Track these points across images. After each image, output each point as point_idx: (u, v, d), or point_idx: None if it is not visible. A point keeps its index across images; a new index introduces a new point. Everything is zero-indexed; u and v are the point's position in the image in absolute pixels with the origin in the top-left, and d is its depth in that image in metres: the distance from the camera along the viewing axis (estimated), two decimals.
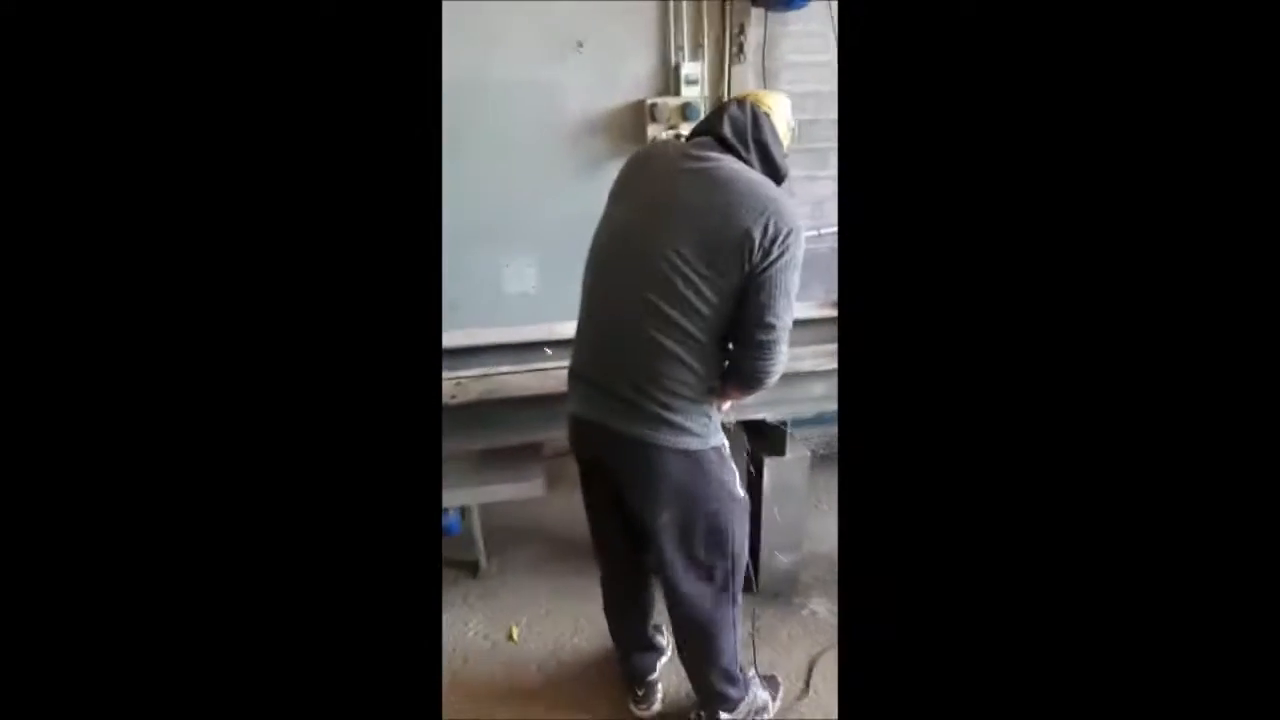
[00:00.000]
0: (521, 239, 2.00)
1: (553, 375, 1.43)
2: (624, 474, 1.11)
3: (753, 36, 1.87)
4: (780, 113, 1.17)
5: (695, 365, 1.02)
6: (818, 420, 1.73)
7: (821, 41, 1.89)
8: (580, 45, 1.83)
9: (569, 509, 1.51)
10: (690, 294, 0.99)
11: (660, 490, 1.08)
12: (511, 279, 2.06)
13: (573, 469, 1.22)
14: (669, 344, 1.00)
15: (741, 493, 1.17)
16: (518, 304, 2.04)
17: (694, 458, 1.08)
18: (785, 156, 1.15)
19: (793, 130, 1.22)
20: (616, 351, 1.05)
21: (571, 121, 1.90)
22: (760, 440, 1.57)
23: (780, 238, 0.98)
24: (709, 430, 1.09)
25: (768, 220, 0.97)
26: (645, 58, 1.86)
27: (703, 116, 1.84)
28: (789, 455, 1.54)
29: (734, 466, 1.16)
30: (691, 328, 1.00)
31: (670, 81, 1.87)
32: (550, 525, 1.91)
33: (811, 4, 1.77)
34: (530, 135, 1.92)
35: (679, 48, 1.85)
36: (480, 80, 1.82)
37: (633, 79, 1.87)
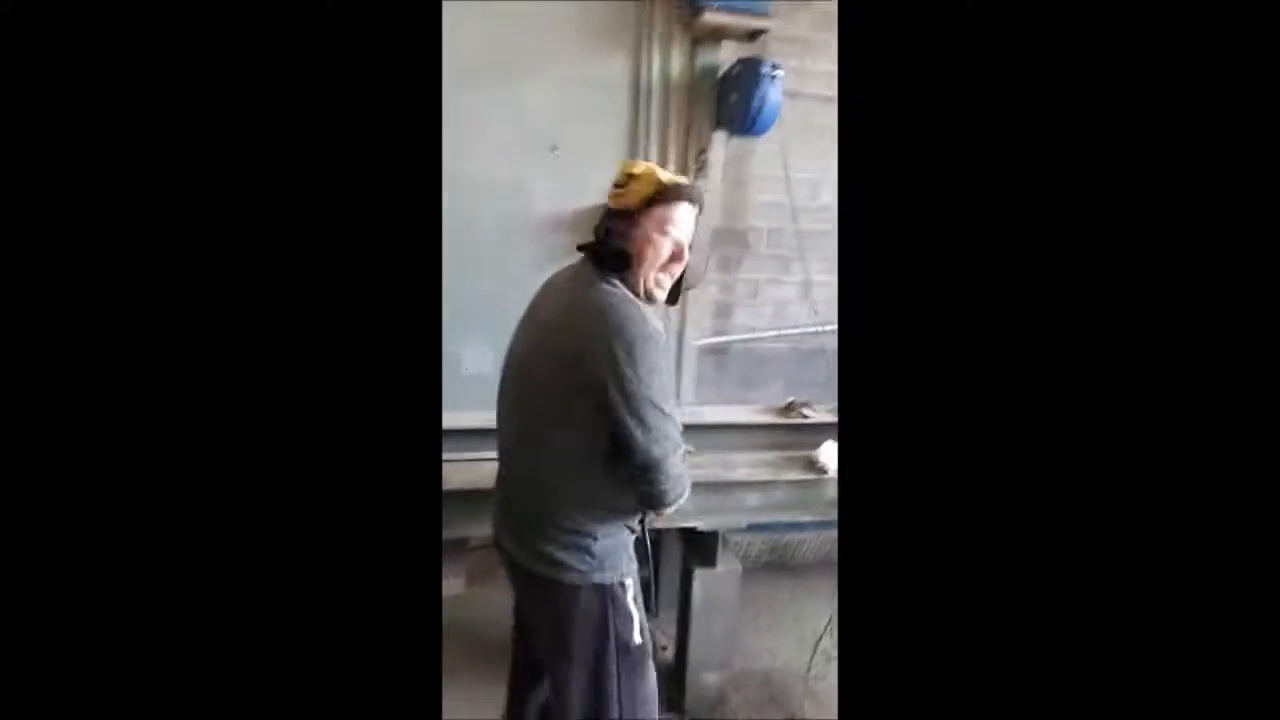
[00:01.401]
0: (482, 324, 2.04)
1: (487, 467, 1.41)
2: (516, 594, 1.12)
3: (718, 153, 1.99)
4: (640, 189, 1.06)
5: (568, 493, 0.99)
6: (761, 528, 1.72)
7: (780, 159, 2.03)
8: (555, 149, 1.93)
9: (492, 606, 1.45)
10: (554, 417, 0.98)
11: (536, 619, 1.07)
12: (471, 360, 2.08)
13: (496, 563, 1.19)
14: (542, 470, 1.00)
15: (640, 640, 1.06)
16: (475, 386, 2.05)
17: (566, 592, 1.01)
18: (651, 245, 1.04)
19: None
20: (506, 471, 1.10)
21: (538, 218, 1.98)
22: (692, 550, 1.54)
23: (613, 352, 0.93)
24: (588, 565, 1.01)
25: (599, 338, 0.93)
26: (613, 165, 1.97)
27: None
28: (720, 567, 1.51)
29: (632, 610, 1.05)
30: (561, 453, 0.98)
31: None
32: (470, 624, 1.83)
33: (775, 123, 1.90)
34: (498, 226, 1.99)
35: (645, 159, 1.96)
36: (454, 170, 1.90)
37: (600, 183, 1.95)
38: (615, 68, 1.91)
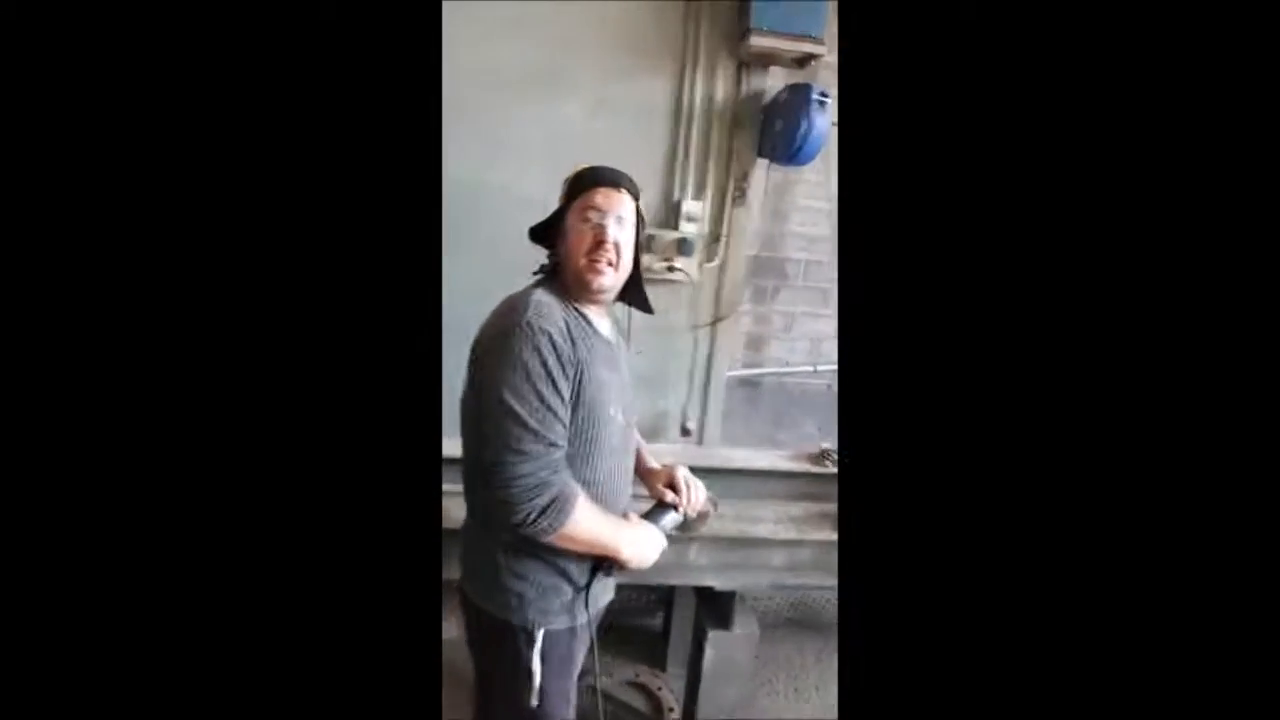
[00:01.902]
0: None
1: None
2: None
3: (759, 182, 1.90)
4: (564, 188, 1.09)
5: (484, 517, 0.98)
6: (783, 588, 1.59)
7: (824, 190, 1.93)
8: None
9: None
10: (468, 435, 0.98)
11: (470, 640, 1.05)
12: None
13: None
14: (468, 492, 1.01)
15: (538, 706, 0.97)
16: None
17: (475, 617, 1.00)
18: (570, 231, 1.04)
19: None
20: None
21: None
22: (706, 608, 1.43)
23: (483, 340, 0.95)
24: (501, 598, 0.96)
25: (481, 331, 0.97)
26: (648, 191, 1.89)
27: (697, 253, 1.91)
28: (736, 629, 1.38)
29: (533, 668, 0.96)
30: (472, 473, 0.98)
31: (670, 216, 1.89)
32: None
33: (820, 152, 1.80)
34: (521, 245, 1.93)
35: (683, 185, 1.88)
36: (479, 182, 1.85)
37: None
38: (657, 90, 1.84)
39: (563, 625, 0.99)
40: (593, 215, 1.02)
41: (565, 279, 1.05)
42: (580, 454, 0.99)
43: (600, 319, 1.08)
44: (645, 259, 1.82)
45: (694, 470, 1.84)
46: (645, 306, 1.19)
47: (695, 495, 1.14)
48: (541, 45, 1.83)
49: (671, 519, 1.11)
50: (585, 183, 1.05)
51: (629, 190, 1.07)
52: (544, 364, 0.90)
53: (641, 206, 1.12)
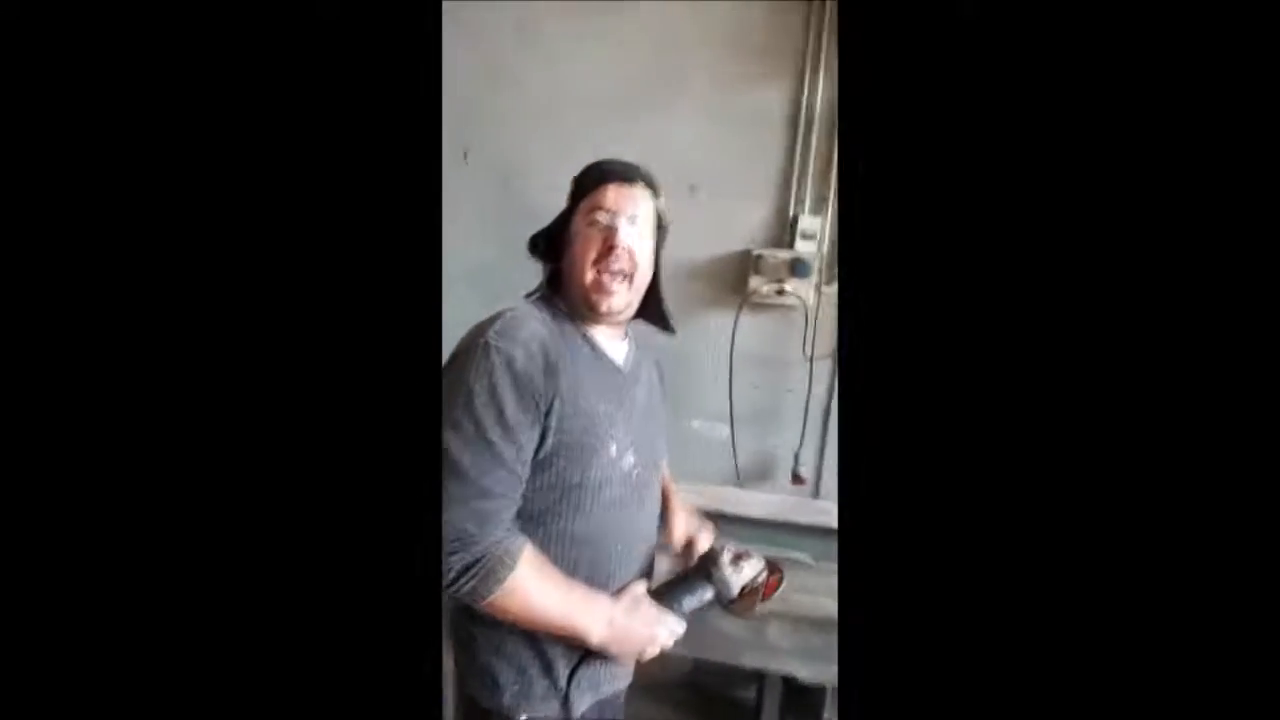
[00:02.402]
0: None
1: None
2: None
3: None
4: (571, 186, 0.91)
5: None
6: None
7: None
8: (693, 189, 1.73)
9: None
10: None
11: None
12: None
13: None
14: None
15: None
16: None
17: (470, 709, 0.83)
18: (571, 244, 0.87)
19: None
20: None
21: (670, 265, 1.76)
22: (791, 705, 1.21)
23: (447, 369, 0.78)
24: (484, 680, 0.81)
25: None
26: (760, 206, 1.72)
27: (813, 274, 1.71)
28: None
29: None
30: None
31: (785, 234, 1.71)
32: None
33: None
34: None
35: (800, 199, 1.69)
36: None
37: (743, 229, 1.72)
38: (772, 97, 1.67)
39: (549, 716, 0.81)
40: (601, 217, 0.84)
41: (569, 294, 0.87)
42: (557, 505, 0.80)
43: (611, 341, 0.90)
44: (752, 281, 1.66)
45: (802, 528, 1.61)
46: (665, 325, 0.98)
47: (739, 567, 0.90)
48: (642, 54, 1.73)
49: (694, 598, 0.86)
50: (592, 179, 0.87)
51: (647, 185, 0.88)
52: (493, 392, 0.73)
53: (663, 207, 0.92)
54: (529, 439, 0.76)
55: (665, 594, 0.86)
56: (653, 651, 0.84)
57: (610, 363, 0.88)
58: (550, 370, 0.77)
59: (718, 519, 1.54)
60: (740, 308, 1.70)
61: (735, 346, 1.72)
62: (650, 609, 0.84)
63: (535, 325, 0.80)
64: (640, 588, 0.86)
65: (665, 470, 1.10)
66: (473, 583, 0.71)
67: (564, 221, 0.90)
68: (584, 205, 0.86)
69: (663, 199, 0.92)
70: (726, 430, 1.76)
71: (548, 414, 0.77)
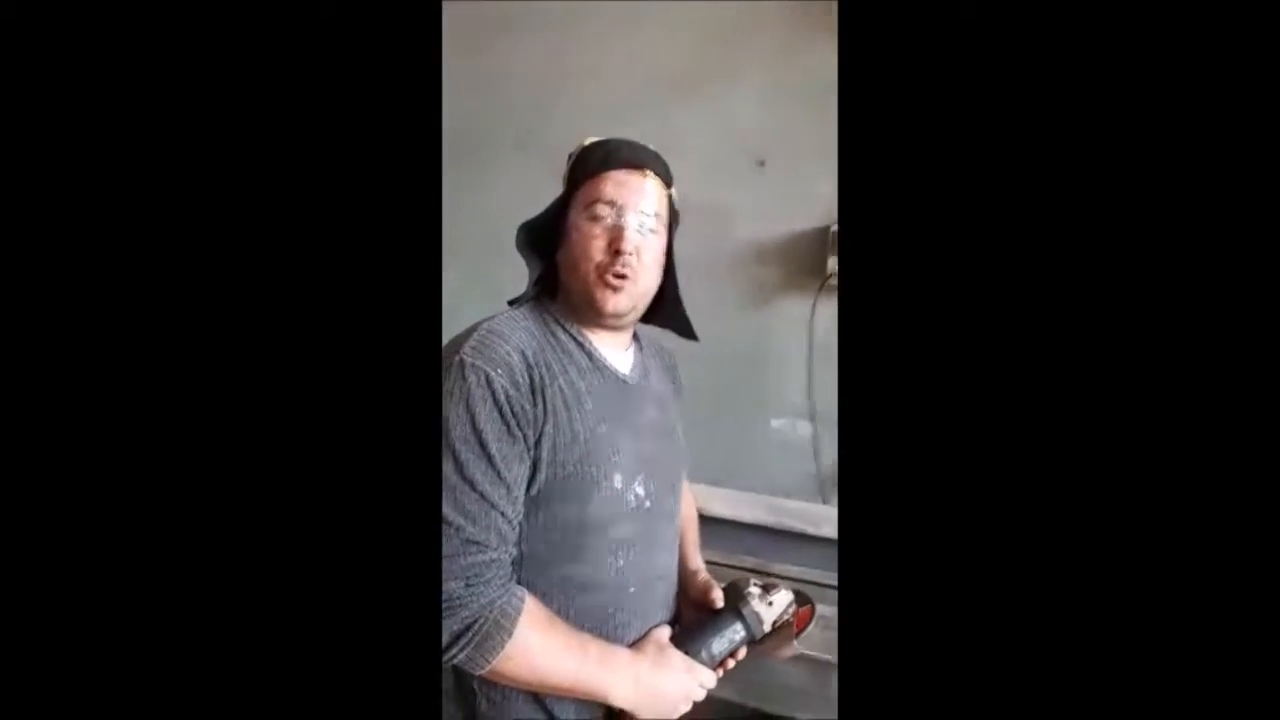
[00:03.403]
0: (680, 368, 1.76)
1: None
2: None
3: None
4: (568, 168, 0.77)
5: None
6: None
7: None
8: (762, 164, 1.59)
9: None
10: None
11: None
12: None
13: None
14: None
15: None
16: None
17: None
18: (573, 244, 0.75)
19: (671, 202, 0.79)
20: None
21: (740, 247, 1.64)
22: None
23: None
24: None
25: None
26: (835, 179, 1.56)
27: None
28: None
29: None
30: None
31: None
32: None
33: None
34: (692, 258, 1.69)
35: None
36: None
37: (819, 202, 1.56)
38: None
39: None
40: (605, 212, 0.72)
41: (565, 297, 0.77)
42: (557, 550, 0.69)
43: (615, 350, 0.78)
44: (831, 262, 1.50)
45: None
46: (686, 330, 0.86)
47: (769, 601, 0.77)
48: (701, 30, 1.60)
49: (725, 640, 0.74)
50: (594, 163, 0.74)
51: (658, 174, 0.75)
52: (472, 422, 0.63)
53: (676, 196, 0.79)
54: (519, 475, 0.66)
55: (691, 639, 0.75)
56: (685, 708, 0.73)
57: (613, 374, 0.77)
58: (538, 390, 0.67)
59: (799, 539, 1.39)
60: (819, 291, 1.54)
61: (814, 335, 1.56)
62: (679, 660, 0.72)
63: (519, 336, 0.70)
64: (664, 635, 0.75)
65: (686, 493, 0.96)
66: (467, 650, 0.61)
67: (559, 211, 0.77)
68: (584, 194, 0.74)
69: (674, 189, 0.79)
70: (809, 429, 1.60)
71: (538, 442, 0.66)
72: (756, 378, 1.65)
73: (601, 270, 0.72)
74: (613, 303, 0.73)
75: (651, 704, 0.69)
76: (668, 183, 0.77)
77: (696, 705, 0.75)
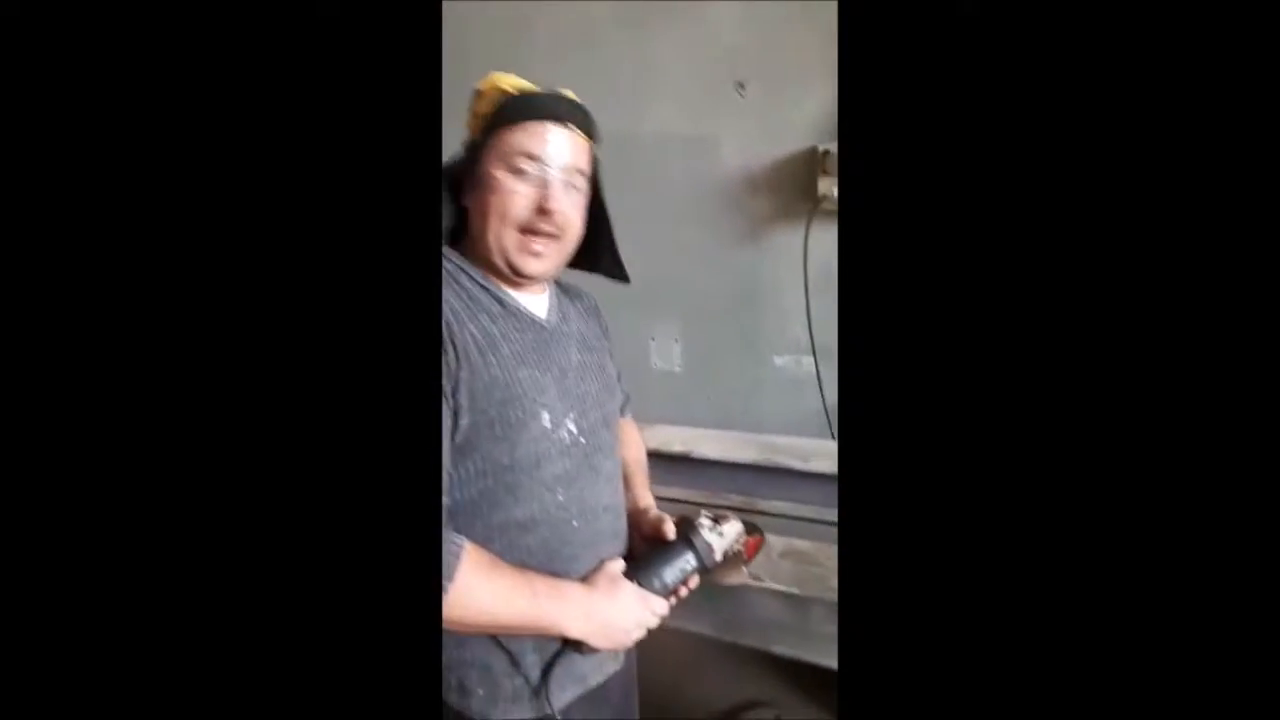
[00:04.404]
0: (668, 310, 1.72)
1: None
2: None
3: None
4: (480, 108, 0.73)
5: None
6: None
7: None
8: (741, 87, 1.51)
9: None
10: None
11: None
12: (657, 355, 1.79)
13: None
14: None
15: None
16: (663, 384, 1.76)
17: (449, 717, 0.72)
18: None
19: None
20: None
21: (728, 177, 1.57)
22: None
23: None
24: (450, 680, 0.71)
25: None
26: (821, 96, 1.47)
27: None
28: None
29: None
30: None
31: None
32: None
33: None
34: (681, 194, 1.64)
35: None
36: (628, 135, 1.58)
37: (805, 122, 1.48)
38: None
39: (526, 718, 0.72)
40: (529, 166, 0.69)
41: (477, 251, 0.74)
42: (491, 493, 0.68)
43: (530, 297, 0.77)
44: (822, 184, 1.44)
45: None
46: (619, 273, 0.84)
47: (720, 530, 0.78)
48: None
49: (676, 569, 0.76)
50: (517, 111, 0.70)
51: (583, 129, 0.72)
52: None
53: (596, 149, 0.76)
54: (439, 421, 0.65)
55: (643, 570, 0.76)
56: (639, 635, 0.74)
57: (528, 318, 0.75)
58: (450, 338, 0.66)
59: (788, 476, 1.38)
60: (810, 216, 1.48)
61: (810, 263, 1.51)
62: (631, 590, 0.73)
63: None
64: (616, 566, 0.75)
65: (633, 431, 0.97)
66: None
67: (471, 158, 0.73)
68: (502, 143, 0.70)
69: (599, 140, 0.76)
70: (812, 364, 1.57)
71: (455, 390, 0.66)
72: (754, 315, 1.61)
73: (526, 228, 0.70)
74: (533, 267, 0.72)
75: (605, 634, 0.71)
76: (592, 136, 0.75)
77: (662, 635, 0.77)
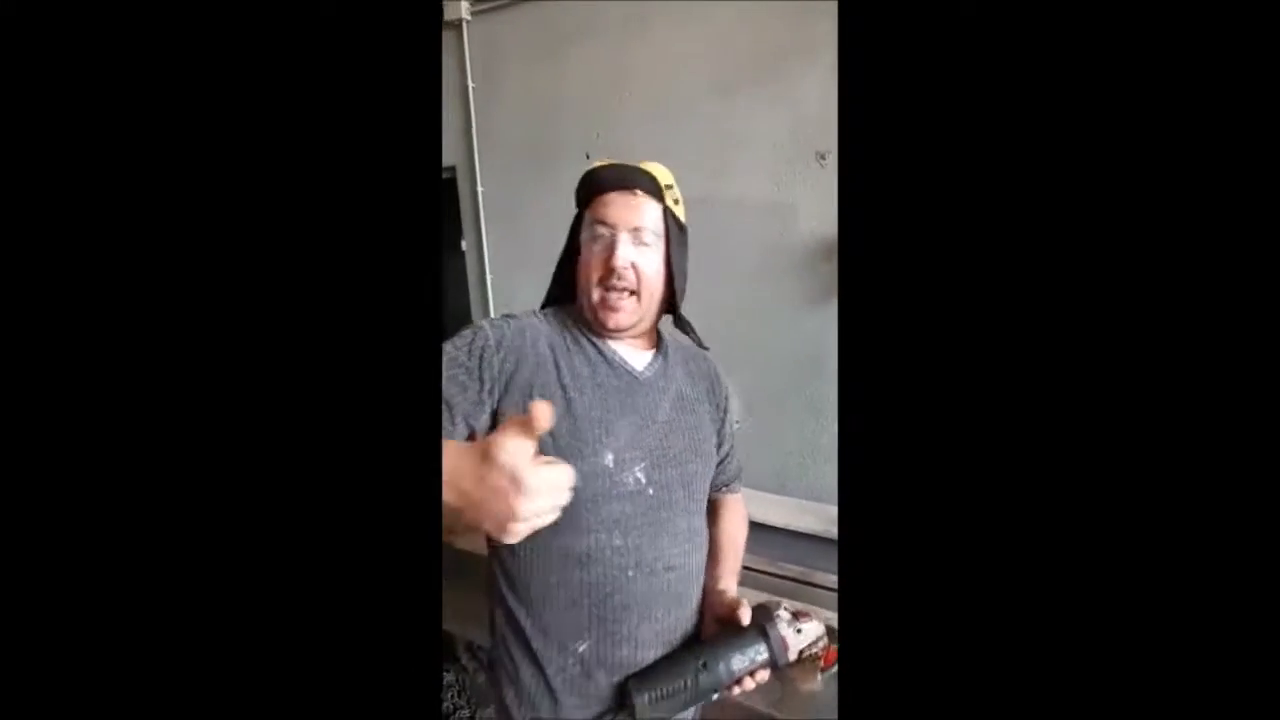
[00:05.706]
0: (736, 374, 1.73)
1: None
2: None
3: None
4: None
5: None
6: None
7: None
8: (822, 157, 1.54)
9: None
10: None
11: None
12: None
13: None
14: None
15: None
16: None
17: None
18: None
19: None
20: None
21: (804, 244, 1.60)
22: None
23: None
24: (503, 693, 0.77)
25: None
26: None
27: None
28: None
29: None
30: None
31: None
32: None
33: None
34: (752, 257, 1.67)
35: None
36: (708, 196, 1.64)
37: None
38: None
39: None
40: (601, 231, 0.79)
41: (580, 307, 0.84)
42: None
43: (631, 351, 0.84)
44: None
45: None
46: (684, 326, 0.92)
47: (798, 628, 0.75)
48: (759, 24, 1.57)
49: (745, 658, 0.71)
50: (590, 188, 0.81)
51: (647, 191, 0.79)
52: (448, 354, 0.74)
53: (674, 205, 0.82)
54: (469, 409, 0.73)
55: (711, 651, 0.73)
56: (525, 529, 0.51)
57: (623, 370, 0.81)
58: (517, 354, 0.75)
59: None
60: None
61: None
62: (556, 471, 0.52)
63: (534, 323, 0.80)
64: (542, 459, 0.54)
65: (735, 512, 0.97)
66: None
67: (574, 230, 0.86)
68: (587, 215, 0.81)
69: (672, 199, 0.82)
70: None
71: (504, 394, 0.74)
72: (820, 381, 1.60)
73: (603, 284, 0.79)
74: (613, 320, 0.80)
75: (475, 509, 0.53)
76: (660, 198, 0.81)
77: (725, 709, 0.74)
